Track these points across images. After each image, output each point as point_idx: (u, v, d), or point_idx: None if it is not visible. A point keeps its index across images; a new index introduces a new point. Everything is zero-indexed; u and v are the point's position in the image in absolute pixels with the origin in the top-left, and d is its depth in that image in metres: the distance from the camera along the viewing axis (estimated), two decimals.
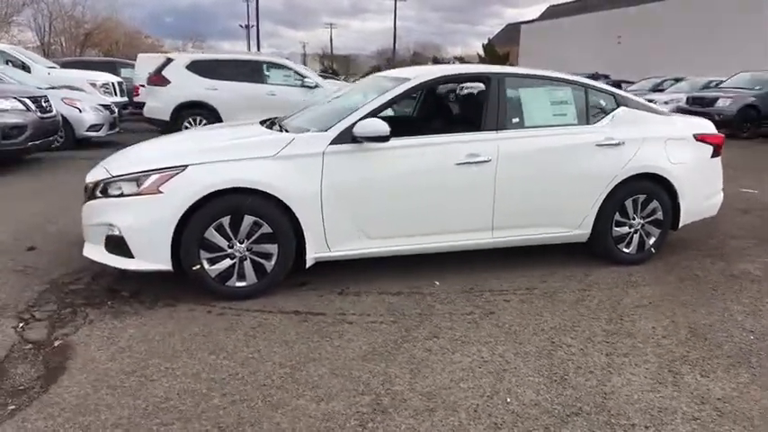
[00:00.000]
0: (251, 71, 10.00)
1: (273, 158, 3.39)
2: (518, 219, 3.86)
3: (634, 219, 4.10)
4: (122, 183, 3.32)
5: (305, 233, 3.44)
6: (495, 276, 3.89)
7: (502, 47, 37.11)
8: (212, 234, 3.31)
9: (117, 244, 3.30)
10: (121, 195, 3.30)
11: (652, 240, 4.19)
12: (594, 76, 23.45)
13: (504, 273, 3.96)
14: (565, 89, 4.08)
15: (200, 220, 3.26)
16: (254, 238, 3.39)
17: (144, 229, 3.24)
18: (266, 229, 3.38)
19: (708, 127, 4.42)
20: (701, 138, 4.27)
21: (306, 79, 10.07)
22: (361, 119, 3.50)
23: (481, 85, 3.85)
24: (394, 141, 3.48)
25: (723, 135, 4.47)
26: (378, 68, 57.16)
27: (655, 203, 4.12)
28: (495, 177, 3.71)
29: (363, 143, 3.47)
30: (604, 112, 4.10)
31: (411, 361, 2.77)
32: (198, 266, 3.32)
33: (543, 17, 39.19)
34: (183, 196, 3.22)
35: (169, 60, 9.87)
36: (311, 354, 2.83)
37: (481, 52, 35.03)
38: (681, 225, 4.27)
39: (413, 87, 3.70)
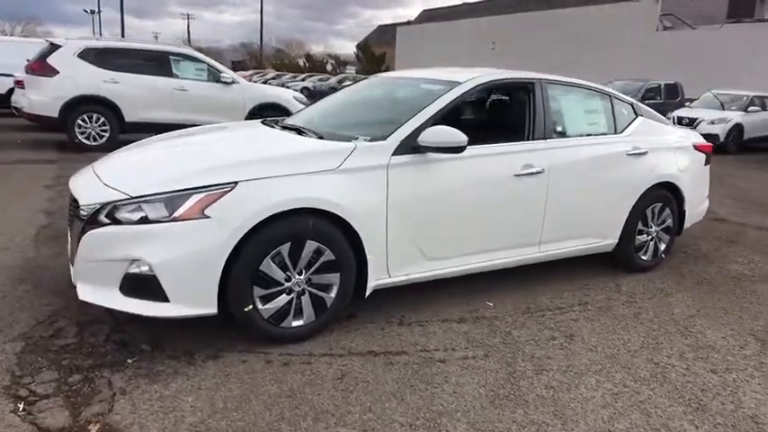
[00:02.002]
0: (157, 63, 8.78)
1: (335, 172, 2.85)
2: (561, 231, 3.72)
3: (651, 227, 4.18)
4: (147, 205, 2.56)
5: (368, 258, 2.95)
6: (536, 292, 3.71)
7: (375, 48, 37.61)
8: (269, 266, 2.69)
9: (144, 285, 2.55)
10: (145, 221, 2.54)
11: (662, 247, 4.31)
12: None
13: (540, 287, 3.80)
14: (595, 97, 4.03)
15: (254, 250, 2.63)
16: (314, 267, 2.83)
17: (185, 265, 2.53)
18: (329, 255, 2.84)
19: (700, 137, 4.67)
20: (698, 147, 4.48)
21: (222, 74, 9.11)
22: (421, 126, 3.09)
23: (523, 92, 3.64)
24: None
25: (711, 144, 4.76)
26: (241, 63, 54.99)
27: (667, 211, 4.24)
28: (547, 189, 3.52)
29: (426, 154, 3.07)
30: (626, 121, 4.12)
31: (544, 403, 2.47)
32: (250, 307, 2.68)
33: (419, 20, 40.40)
34: (237, 221, 2.56)
35: (55, 46, 8.31)
36: (432, 407, 2.39)
37: (344, 52, 35.19)
38: (682, 231, 4.47)
39: (468, 91, 3.36)
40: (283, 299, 2.78)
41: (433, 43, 30.35)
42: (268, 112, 9.40)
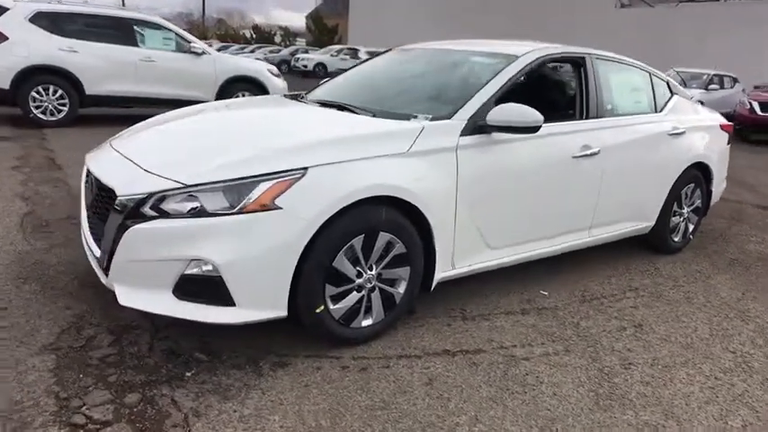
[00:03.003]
0: (120, 31, 7.99)
1: (406, 155, 2.56)
2: (610, 215, 3.59)
3: (684, 208, 4.13)
4: (204, 195, 2.20)
5: (436, 249, 2.70)
6: (583, 279, 3.58)
7: (326, 19, 36.54)
8: (342, 262, 2.39)
9: (205, 287, 2.20)
10: (202, 214, 2.19)
11: (691, 228, 4.28)
12: None
13: (584, 273, 3.66)
14: (637, 74, 3.88)
15: (328, 244, 2.32)
16: (385, 261, 2.55)
17: (255, 264, 2.19)
18: (400, 248, 2.57)
19: (722, 117, 4.64)
20: (723, 126, 4.45)
21: (192, 45, 8.44)
22: (485, 104, 2.84)
23: (575, 67, 3.43)
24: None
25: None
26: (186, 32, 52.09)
27: (698, 192, 4.20)
28: (601, 171, 3.36)
29: (491, 134, 2.83)
30: (664, 99, 4.01)
31: (648, 402, 2.32)
32: (322, 308, 2.39)
33: None
34: (311, 212, 2.25)
35: (1, 9, 7.40)
36: (540, 412, 2.20)
37: (290, 23, 34.00)
38: (707, 212, 4.45)
39: (526, 66, 3.11)
40: (354, 297, 2.49)
41: (386, 14, 29.70)
42: (241, 86, 8.88)
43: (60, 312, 2.67)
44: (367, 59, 4.15)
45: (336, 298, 2.44)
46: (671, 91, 4.08)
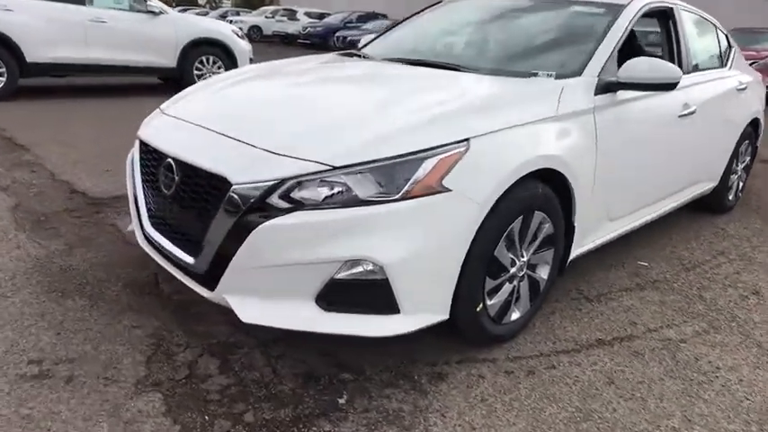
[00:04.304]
0: None
1: (555, 119, 2.19)
2: (694, 176, 3.40)
3: (738, 165, 4.03)
4: (352, 178, 1.74)
5: (575, 225, 2.38)
6: (668, 246, 3.38)
7: None
8: (501, 250, 2.01)
9: (364, 293, 1.76)
10: (352, 202, 1.73)
11: (740, 185, 4.20)
12: (370, 15, 23.68)
13: (662, 240, 3.47)
14: (708, 26, 3.65)
15: (492, 230, 1.93)
16: (535, 245, 2.20)
17: (425, 260, 1.77)
18: (549, 228, 2.22)
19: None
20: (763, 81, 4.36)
21: (148, 3, 7.44)
22: (609, 59, 2.49)
23: (667, 19, 3.14)
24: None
25: None
26: None
27: (750, 148, 4.11)
28: (695, 130, 3.14)
29: (617, 93, 2.50)
30: (727, 53, 3.82)
31: None
32: (481, 305, 2.01)
33: None
34: (481, 192, 1.84)
35: None
36: (742, 404, 1.96)
37: None
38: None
39: (635, 16, 2.77)
40: (507, 289, 2.13)
41: None
42: (205, 50, 8.01)
43: (131, 333, 2.13)
44: (423, 10, 3.59)
45: (491, 292, 2.07)
46: (730, 44, 3.91)
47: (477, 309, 1.99)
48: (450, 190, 1.78)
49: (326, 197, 1.74)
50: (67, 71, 7.14)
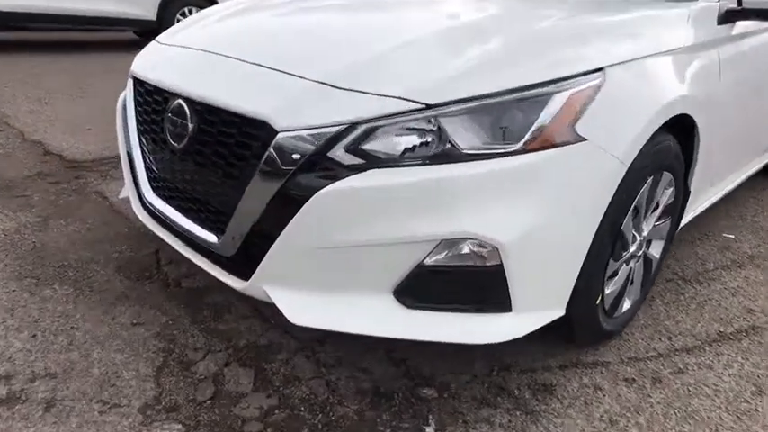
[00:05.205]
0: None
1: (686, 51, 1.67)
2: None
3: None
4: (450, 121, 1.21)
5: (691, 190, 1.90)
6: (737, 216, 2.94)
7: None
8: (628, 222, 1.52)
9: (465, 284, 1.27)
10: (449, 156, 1.21)
11: None
12: None
13: (730, 210, 3.04)
14: None
15: (623, 196, 1.42)
16: (656, 214, 1.71)
17: (550, 239, 1.27)
18: (671, 194, 1.73)
19: None
20: None
21: None
22: None
23: None
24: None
25: None
26: None
27: None
28: None
29: (736, 24, 1.99)
30: None
31: None
32: (600, 295, 1.53)
33: None
34: (622, 142, 1.34)
35: None
36: None
37: None
38: None
39: None
40: (623, 272, 1.64)
41: None
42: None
43: (131, 334, 1.61)
44: None
45: (610, 278, 1.58)
46: None
47: (597, 301, 1.51)
48: (585, 139, 1.27)
49: (410, 149, 1.22)
50: (33, 21, 6.35)
